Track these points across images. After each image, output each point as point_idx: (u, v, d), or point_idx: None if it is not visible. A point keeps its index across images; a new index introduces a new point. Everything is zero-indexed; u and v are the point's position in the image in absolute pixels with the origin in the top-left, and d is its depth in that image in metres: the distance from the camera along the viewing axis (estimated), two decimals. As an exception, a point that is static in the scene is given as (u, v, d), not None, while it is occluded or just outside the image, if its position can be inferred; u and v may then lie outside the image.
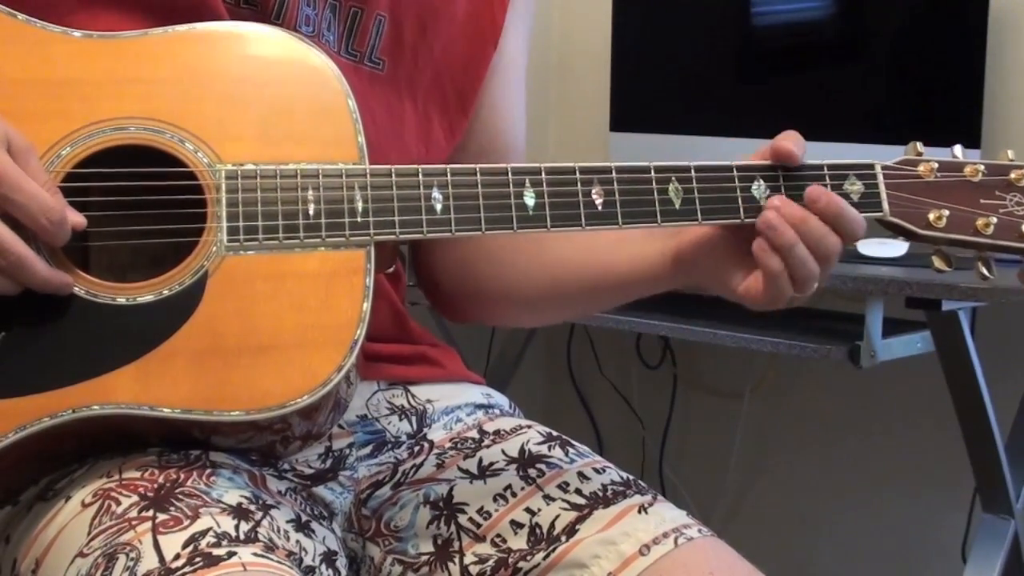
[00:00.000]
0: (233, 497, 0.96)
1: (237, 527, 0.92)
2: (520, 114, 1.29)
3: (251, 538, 0.92)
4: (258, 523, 0.94)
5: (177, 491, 0.94)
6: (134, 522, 0.91)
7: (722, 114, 2.38)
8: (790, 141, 1.05)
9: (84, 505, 0.96)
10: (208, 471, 0.98)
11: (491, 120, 1.25)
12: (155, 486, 0.95)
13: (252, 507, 0.96)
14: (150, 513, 0.92)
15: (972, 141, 2.08)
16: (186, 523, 0.91)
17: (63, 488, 0.99)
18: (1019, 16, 2.18)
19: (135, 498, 0.94)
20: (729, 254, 1.06)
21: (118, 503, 0.94)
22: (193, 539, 0.89)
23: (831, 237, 1.02)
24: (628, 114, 2.51)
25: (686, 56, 2.45)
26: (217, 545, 0.89)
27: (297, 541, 0.98)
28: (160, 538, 0.90)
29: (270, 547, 0.92)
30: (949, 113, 2.15)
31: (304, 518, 1.02)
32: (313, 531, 1.02)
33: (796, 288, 1.02)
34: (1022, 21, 2.19)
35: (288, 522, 0.99)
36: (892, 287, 1.82)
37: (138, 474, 0.96)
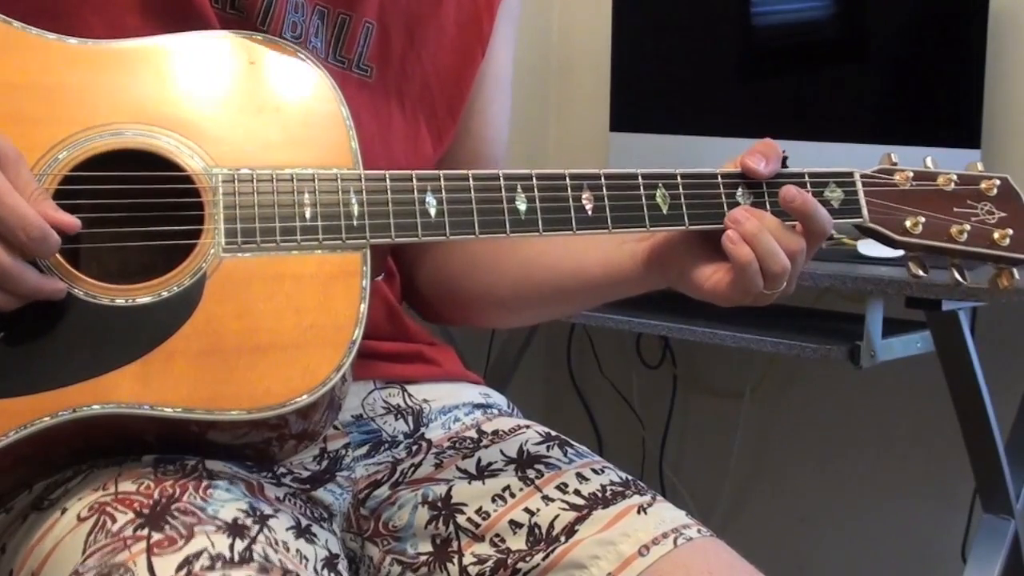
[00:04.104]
0: (229, 512, 0.95)
1: (232, 547, 0.91)
2: (506, 123, 1.30)
3: (246, 558, 0.90)
4: (254, 539, 0.93)
5: (172, 507, 0.93)
6: (129, 541, 0.91)
7: (722, 114, 2.38)
8: (755, 158, 1.07)
9: (80, 519, 0.95)
10: (205, 483, 0.97)
11: (480, 130, 1.27)
12: (150, 502, 0.94)
13: (248, 521, 0.95)
14: (145, 532, 0.91)
15: (972, 141, 2.08)
16: (180, 543, 0.90)
17: (58, 498, 0.99)
18: (1019, 16, 2.18)
19: (130, 515, 0.93)
20: (700, 254, 1.08)
21: (113, 520, 0.93)
22: (187, 562, 0.88)
23: (793, 234, 1.05)
24: (628, 114, 2.51)
25: (686, 56, 2.44)
26: (211, 568, 0.88)
27: (298, 550, 0.97)
28: (154, 560, 0.89)
29: (265, 568, 0.91)
30: (949, 113, 2.14)
31: (304, 523, 1.02)
32: (314, 535, 1.01)
33: (767, 282, 1.04)
34: (1022, 21, 2.19)
35: (288, 529, 0.98)
36: (892, 287, 1.82)
37: (133, 488, 0.96)
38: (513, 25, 1.28)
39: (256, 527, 0.95)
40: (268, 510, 0.98)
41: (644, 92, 2.50)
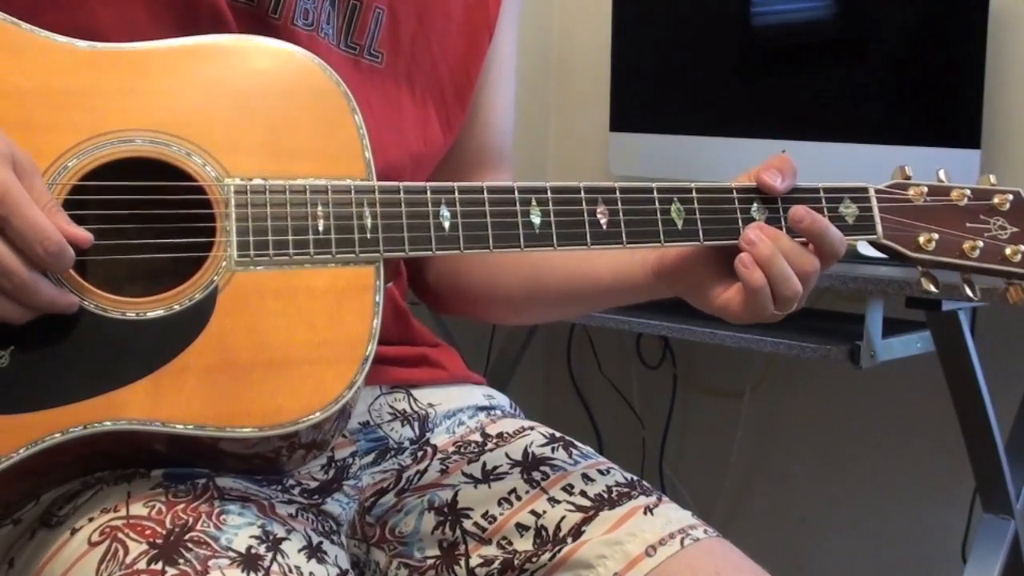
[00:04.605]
0: (242, 540, 0.94)
1: None
2: (512, 112, 1.30)
3: None
4: (268, 571, 0.93)
5: (186, 539, 0.93)
6: None
7: (722, 114, 2.38)
8: (771, 174, 1.06)
9: (91, 544, 0.94)
10: (217, 509, 0.96)
11: (487, 118, 1.26)
12: (163, 531, 0.93)
13: (262, 549, 0.94)
14: (159, 567, 0.90)
15: (972, 141, 2.08)
16: None
17: (67, 516, 0.98)
18: (1019, 16, 2.18)
19: (144, 546, 0.92)
20: (711, 270, 1.07)
21: (126, 549, 0.92)
22: None
23: (807, 255, 1.04)
24: (628, 114, 2.50)
25: (686, 56, 2.44)
26: None
27: (311, 573, 0.96)
28: None
29: None
30: (949, 113, 2.14)
31: (316, 540, 1.02)
32: (325, 553, 1.01)
33: (777, 306, 1.04)
34: (1022, 21, 2.19)
35: (300, 551, 0.98)
36: (892, 287, 1.82)
37: (145, 511, 0.95)
38: (517, 11, 1.28)
39: (269, 555, 0.94)
40: (281, 531, 0.98)
41: (644, 92, 2.50)
